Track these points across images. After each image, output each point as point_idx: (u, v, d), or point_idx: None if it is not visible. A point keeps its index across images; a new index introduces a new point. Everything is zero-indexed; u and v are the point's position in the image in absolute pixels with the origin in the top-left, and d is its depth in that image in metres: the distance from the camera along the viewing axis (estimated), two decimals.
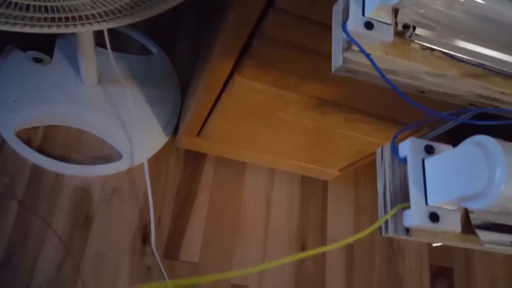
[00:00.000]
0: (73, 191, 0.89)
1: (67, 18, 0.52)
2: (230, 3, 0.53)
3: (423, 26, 0.34)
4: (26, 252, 0.82)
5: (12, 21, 0.50)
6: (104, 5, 0.47)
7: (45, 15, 0.50)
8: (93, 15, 0.51)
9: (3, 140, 0.88)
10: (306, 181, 1.06)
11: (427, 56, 0.34)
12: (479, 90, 0.37)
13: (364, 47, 0.33)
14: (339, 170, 0.98)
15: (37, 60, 0.70)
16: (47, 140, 0.91)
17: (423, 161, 0.29)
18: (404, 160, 0.29)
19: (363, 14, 0.32)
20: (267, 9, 0.49)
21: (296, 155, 0.93)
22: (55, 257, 0.84)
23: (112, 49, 0.78)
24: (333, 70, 0.35)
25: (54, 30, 0.54)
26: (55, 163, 0.88)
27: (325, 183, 1.08)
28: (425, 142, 0.29)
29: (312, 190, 1.07)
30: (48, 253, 0.84)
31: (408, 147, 0.29)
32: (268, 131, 0.81)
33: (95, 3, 0.46)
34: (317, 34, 0.51)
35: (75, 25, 0.54)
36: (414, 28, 0.34)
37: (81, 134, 0.93)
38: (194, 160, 0.99)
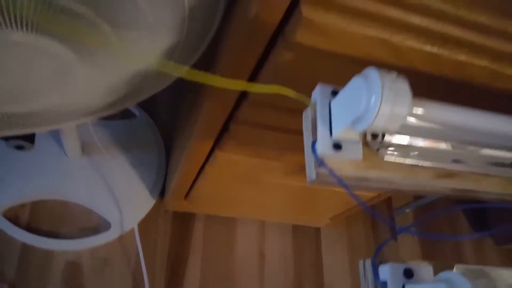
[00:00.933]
0: (64, 267, 0.88)
1: None
2: (205, 94, 0.54)
3: (392, 133, 0.35)
4: None
5: None
6: (82, 113, 0.47)
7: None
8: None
9: None
10: (298, 230, 1.06)
11: (399, 163, 0.35)
12: (454, 186, 0.37)
13: (334, 164, 0.33)
14: (330, 219, 0.98)
15: (19, 148, 0.70)
16: (35, 216, 0.90)
17: (403, 286, 0.29)
18: (384, 285, 0.30)
19: (331, 135, 0.33)
20: (241, 100, 0.50)
21: (285, 210, 0.93)
22: None
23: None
24: (308, 181, 0.36)
25: (34, 130, 0.54)
26: (44, 240, 0.87)
27: (317, 230, 1.08)
28: (404, 265, 0.30)
29: (305, 238, 1.06)
30: None
31: (387, 272, 0.30)
32: (254, 192, 0.81)
33: (73, 113, 0.46)
34: (289, 117, 0.51)
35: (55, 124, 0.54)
36: (383, 136, 0.35)
37: (67, 206, 0.92)
38: (183, 221, 0.99)
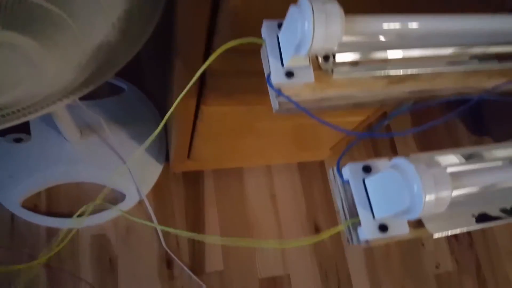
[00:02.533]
0: (91, 241, 0.95)
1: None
2: (175, 52, 0.55)
3: (341, 51, 0.37)
4: None
5: None
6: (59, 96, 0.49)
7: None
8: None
9: (12, 214, 0.93)
10: (303, 166, 1.10)
11: (352, 79, 0.37)
12: (409, 89, 0.40)
13: (292, 91, 0.36)
14: (331, 149, 1.02)
15: (17, 140, 0.74)
16: (52, 202, 0.96)
17: (363, 180, 0.33)
18: (348, 183, 0.33)
19: (282, 65, 0.35)
20: (209, 51, 0.52)
21: (285, 151, 0.96)
22: None
23: (83, 99, 0.81)
24: (273, 111, 0.39)
25: (24, 119, 0.57)
26: (66, 221, 0.93)
27: (321, 163, 1.12)
28: (362, 163, 0.33)
29: (311, 172, 1.11)
30: None
31: (348, 172, 0.33)
32: (252, 140, 0.84)
33: (49, 97, 0.49)
34: (256, 59, 0.53)
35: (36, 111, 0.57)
36: (334, 56, 0.37)
37: (81, 186, 0.98)
38: (193, 179, 1.04)
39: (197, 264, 0.97)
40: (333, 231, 0.34)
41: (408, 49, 0.37)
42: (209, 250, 0.99)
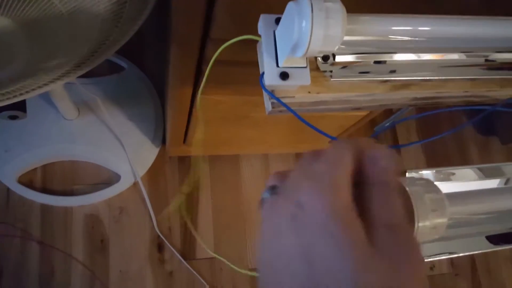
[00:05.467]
0: (84, 220, 0.95)
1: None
2: (171, 38, 0.53)
3: (342, 52, 0.35)
4: (57, 286, 0.89)
5: None
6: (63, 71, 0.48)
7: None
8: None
9: (8, 189, 0.92)
10: (301, 156, 1.08)
11: (352, 82, 0.35)
12: (413, 95, 0.38)
13: (286, 93, 0.34)
14: (329, 142, 1.00)
15: (13, 118, 0.73)
16: (47, 179, 0.95)
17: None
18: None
19: (278, 65, 0.33)
20: (205, 40, 0.50)
21: (283, 141, 0.95)
22: (84, 284, 0.90)
23: (82, 77, 0.79)
24: (266, 113, 0.37)
25: (17, 99, 0.56)
26: (60, 199, 0.93)
27: None
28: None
29: None
30: (77, 282, 0.90)
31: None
32: (248, 129, 0.83)
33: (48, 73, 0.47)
34: (254, 49, 0.51)
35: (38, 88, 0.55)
36: (334, 56, 0.35)
37: (76, 165, 0.97)
38: (189, 164, 1.02)
39: (188, 250, 0.97)
40: None
41: (414, 53, 0.35)
42: (201, 237, 0.99)
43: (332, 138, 0.32)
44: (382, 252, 0.19)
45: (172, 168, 1.01)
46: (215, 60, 0.55)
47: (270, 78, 0.32)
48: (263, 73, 0.33)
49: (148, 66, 1.06)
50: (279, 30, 0.32)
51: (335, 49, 0.29)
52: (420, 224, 0.25)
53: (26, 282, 0.88)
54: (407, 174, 0.32)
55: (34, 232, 0.92)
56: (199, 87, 0.62)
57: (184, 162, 1.02)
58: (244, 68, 0.56)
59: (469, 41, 0.34)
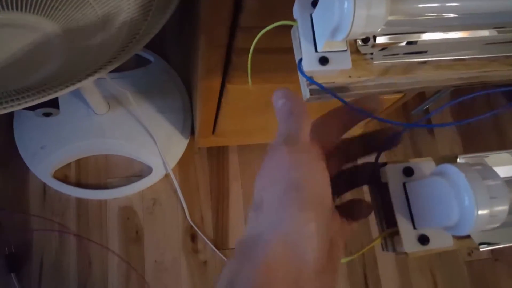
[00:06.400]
0: (119, 212, 0.96)
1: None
2: (199, 29, 0.53)
3: (383, 33, 0.34)
4: (95, 277, 0.92)
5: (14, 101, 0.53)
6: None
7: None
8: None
9: (44, 185, 0.95)
10: None
11: (395, 64, 0.34)
12: (459, 75, 0.36)
13: (326, 78, 0.33)
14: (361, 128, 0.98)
15: (47, 115, 0.74)
16: (82, 173, 0.97)
17: (404, 184, 0.30)
18: (386, 186, 0.30)
19: (316, 50, 0.32)
20: (235, 28, 0.49)
21: None
22: (121, 274, 0.93)
23: (111, 71, 0.80)
24: (304, 100, 0.36)
25: (51, 96, 0.56)
26: (95, 192, 0.95)
27: None
28: (403, 165, 0.30)
29: None
30: (114, 272, 0.92)
31: (386, 174, 0.30)
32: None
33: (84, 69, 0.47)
34: (285, 35, 0.50)
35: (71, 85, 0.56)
36: (374, 38, 0.34)
37: (109, 158, 0.99)
38: (218, 155, 1.03)
39: (220, 239, 0.98)
40: (369, 247, 0.31)
41: (460, 31, 0.33)
42: (234, 226, 0.99)
43: (397, 124, 0.30)
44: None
45: (202, 159, 1.02)
46: (242, 49, 0.54)
47: (309, 64, 0.31)
48: (300, 59, 0.32)
49: (172, 58, 1.06)
50: (317, 13, 0.31)
51: (378, 30, 0.28)
52: (480, 213, 0.23)
53: (65, 274, 0.91)
54: (458, 160, 0.31)
55: (71, 225, 0.94)
56: (228, 77, 0.62)
57: (213, 152, 1.02)
58: (274, 55, 0.55)
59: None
